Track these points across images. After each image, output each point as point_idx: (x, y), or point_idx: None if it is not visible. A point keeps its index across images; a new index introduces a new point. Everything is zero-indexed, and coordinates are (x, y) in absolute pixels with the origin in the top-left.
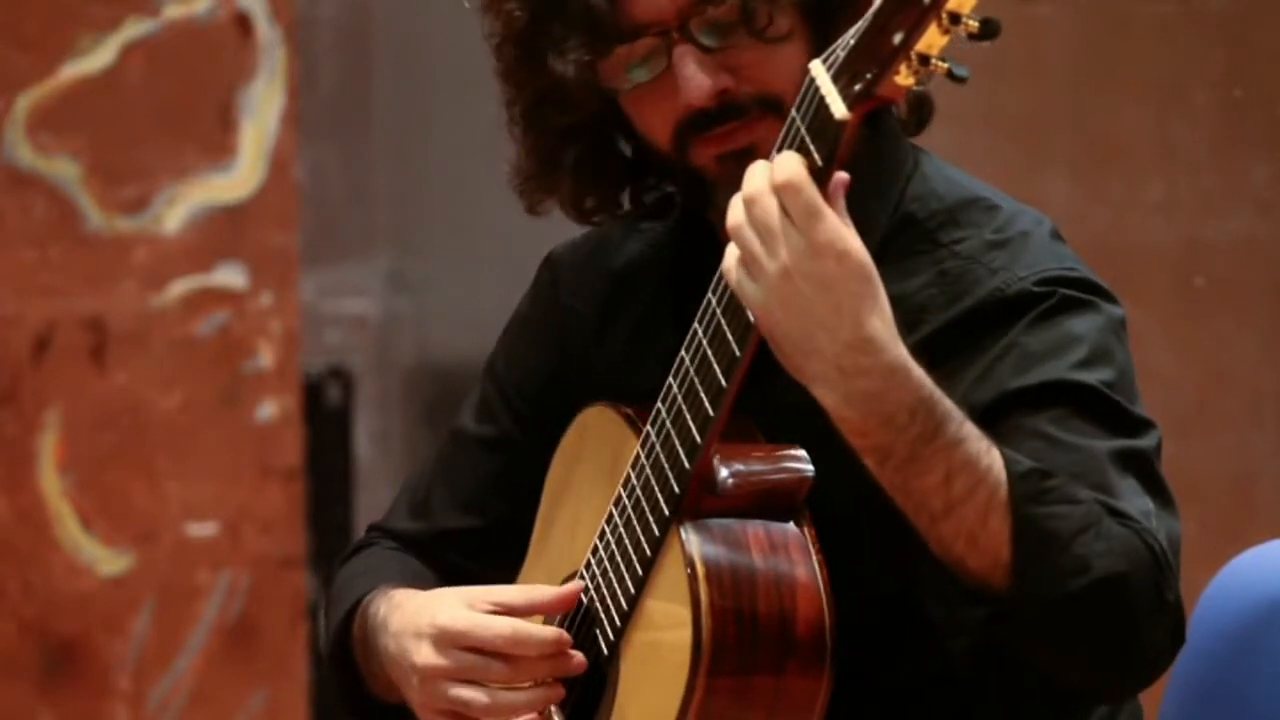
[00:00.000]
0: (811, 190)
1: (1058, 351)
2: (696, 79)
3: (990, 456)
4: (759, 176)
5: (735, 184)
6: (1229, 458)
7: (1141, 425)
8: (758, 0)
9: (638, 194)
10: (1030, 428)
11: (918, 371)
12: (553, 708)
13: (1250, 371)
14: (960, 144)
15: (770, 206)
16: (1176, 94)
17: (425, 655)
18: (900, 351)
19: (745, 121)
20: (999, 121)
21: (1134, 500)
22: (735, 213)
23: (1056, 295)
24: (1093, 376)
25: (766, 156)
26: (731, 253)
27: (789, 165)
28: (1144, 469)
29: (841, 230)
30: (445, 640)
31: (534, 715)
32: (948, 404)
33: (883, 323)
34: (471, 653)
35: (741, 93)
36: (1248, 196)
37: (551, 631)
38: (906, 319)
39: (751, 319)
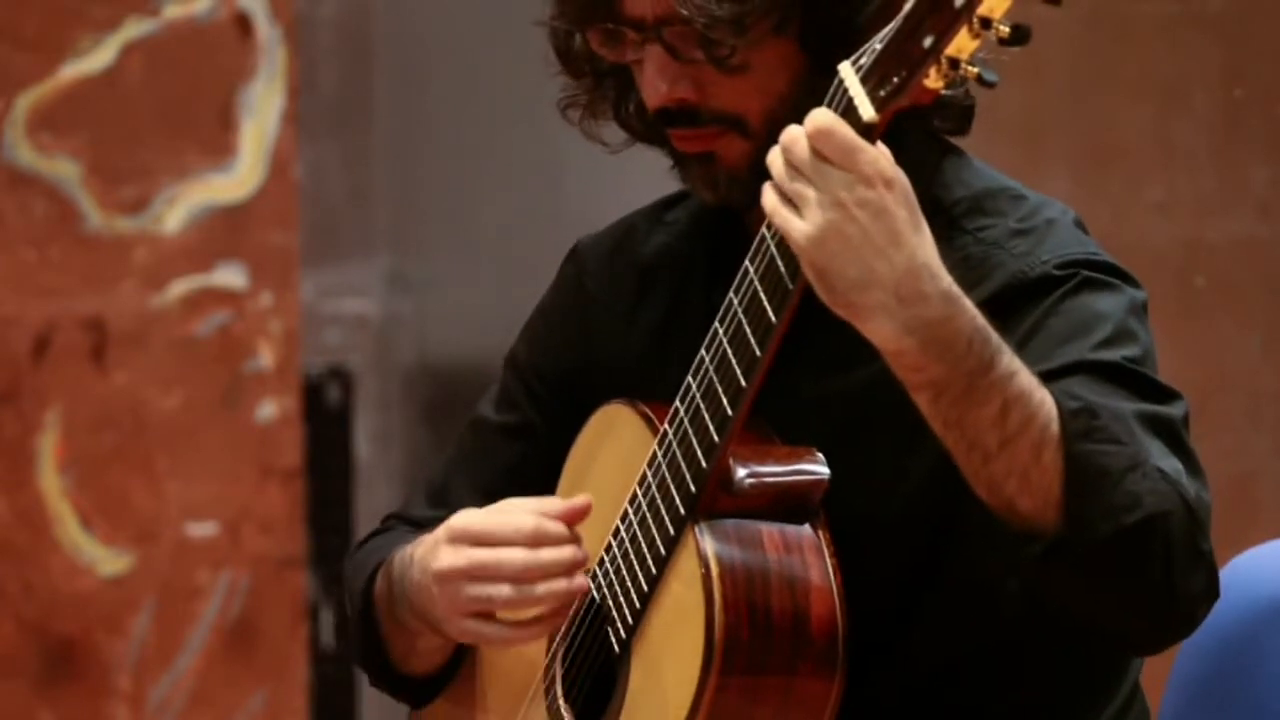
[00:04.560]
0: (845, 129)
1: (1081, 332)
2: (655, 83)
3: (1041, 391)
4: (794, 127)
5: (697, 180)
6: (1229, 458)
7: (1168, 395)
8: (722, 31)
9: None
10: (1061, 390)
11: (969, 301)
12: (563, 705)
13: (1250, 371)
14: (960, 144)
15: (808, 148)
16: (1176, 94)
17: (443, 558)
18: (951, 280)
19: (701, 130)
20: (998, 121)
21: (1163, 460)
22: (776, 161)
23: (1079, 276)
24: (1116, 354)
25: (729, 165)
26: (771, 196)
27: (821, 114)
28: (1172, 435)
29: (883, 160)
30: (463, 538)
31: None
32: (997, 335)
33: (932, 250)
34: (489, 548)
35: (703, 107)
36: (1248, 196)
37: (565, 528)
38: None
39: (773, 320)
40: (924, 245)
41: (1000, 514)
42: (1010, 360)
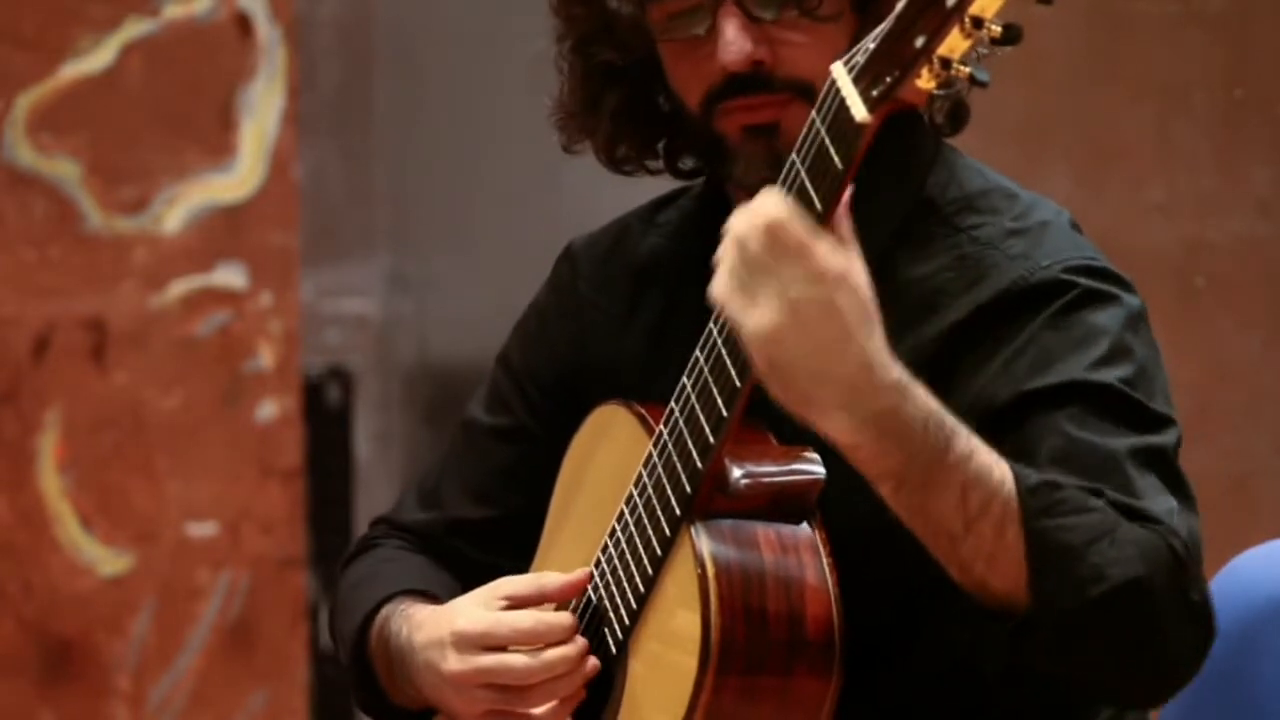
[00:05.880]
0: (795, 226)
1: (1077, 348)
2: (737, 43)
3: (1000, 468)
4: (744, 218)
5: (755, 158)
6: (1229, 458)
7: (1161, 422)
8: None
9: (672, 155)
10: (1050, 426)
11: (919, 384)
12: None
13: (1250, 371)
14: (960, 144)
15: (761, 243)
16: (1176, 94)
17: (451, 664)
18: (900, 367)
19: (773, 96)
20: (999, 121)
21: (1157, 499)
22: (730, 252)
23: (1078, 288)
24: (1111, 375)
25: (791, 139)
26: (723, 284)
27: (770, 205)
28: (1164, 466)
29: (834, 255)
30: (467, 644)
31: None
32: (951, 416)
33: (883, 338)
34: (494, 652)
35: (776, 70)
36: (1248, 196)
37: (566, 617)
38: (924, 302)
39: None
40: (874, 338)
41: (977, 596)
42: (966, 440)
